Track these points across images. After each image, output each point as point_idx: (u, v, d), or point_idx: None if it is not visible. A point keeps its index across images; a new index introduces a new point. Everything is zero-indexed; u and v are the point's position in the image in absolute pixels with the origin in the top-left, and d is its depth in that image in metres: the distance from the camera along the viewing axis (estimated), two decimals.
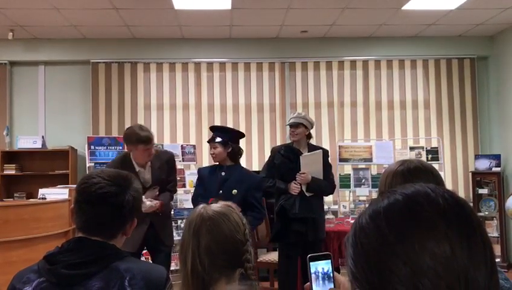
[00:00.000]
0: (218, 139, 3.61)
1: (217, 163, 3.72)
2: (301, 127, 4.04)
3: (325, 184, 4.02)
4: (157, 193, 3.73)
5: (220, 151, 3.60)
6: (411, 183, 0.69)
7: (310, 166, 3.93)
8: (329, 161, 4.21)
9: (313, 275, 1.18)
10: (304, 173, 3.88)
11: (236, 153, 3.69)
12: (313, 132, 4.26)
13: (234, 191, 3.51)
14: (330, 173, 4.16)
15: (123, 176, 1.52)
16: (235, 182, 3.55)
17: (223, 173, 3.59)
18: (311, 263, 1.18)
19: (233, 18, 5.70)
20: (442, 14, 5.69)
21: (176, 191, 4.05)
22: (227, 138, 3.63)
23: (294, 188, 3.87)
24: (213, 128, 3.79)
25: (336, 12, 5.57)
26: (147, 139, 3.54)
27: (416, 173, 1.44)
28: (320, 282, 1.19)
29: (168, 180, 3.84)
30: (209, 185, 3.62)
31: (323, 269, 1.19)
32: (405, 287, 0.59)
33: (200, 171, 3.86)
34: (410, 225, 0.62)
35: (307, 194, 3.91)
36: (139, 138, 3.53)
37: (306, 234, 3.88)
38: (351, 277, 0.67)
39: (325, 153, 4.13)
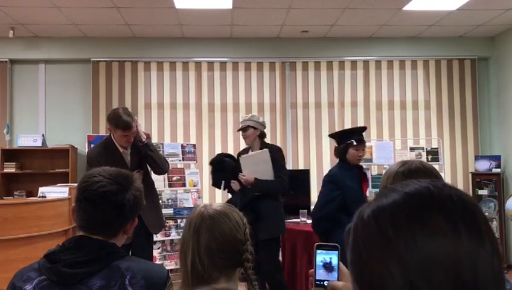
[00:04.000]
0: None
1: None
2: (249, 129, 4.06)
3: (271, 183, 3.95)
4: (142, 176, 3.65)
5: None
6: (412, 180, 0.68)
7: (253, 167, 3.95)
8: (279, 158, 4.05)
9: (317, 264, 1.22)
10: (244, 175, 3.94)
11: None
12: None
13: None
14: (281, 171, 4.01)
15: (124, 175, 1.53)
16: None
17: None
18: (317, 251, 1.23)
19: (234, 17, 5.70)
20: (443, 14, 5.69)
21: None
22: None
23: (234, 185, 4.02)
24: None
25: (336, 13, 5.57)
26: (126, 126, 3.50)
27: (417, 174, 1.44)
28: (324, 271, 1.22)
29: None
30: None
31: (330, 259, 1.22)
32: (402, 285, 0.59)
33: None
34: (410, 223, 0.61)
35: (256, 194, 3.95)
36: (117, 122, 3.51)
37: (256, 232, 3.82)
38: (350, 269, 0.67)
39: (274, 150, 4.05)
